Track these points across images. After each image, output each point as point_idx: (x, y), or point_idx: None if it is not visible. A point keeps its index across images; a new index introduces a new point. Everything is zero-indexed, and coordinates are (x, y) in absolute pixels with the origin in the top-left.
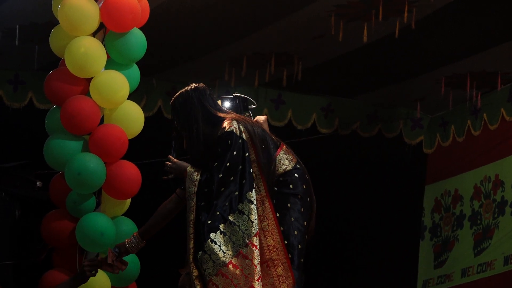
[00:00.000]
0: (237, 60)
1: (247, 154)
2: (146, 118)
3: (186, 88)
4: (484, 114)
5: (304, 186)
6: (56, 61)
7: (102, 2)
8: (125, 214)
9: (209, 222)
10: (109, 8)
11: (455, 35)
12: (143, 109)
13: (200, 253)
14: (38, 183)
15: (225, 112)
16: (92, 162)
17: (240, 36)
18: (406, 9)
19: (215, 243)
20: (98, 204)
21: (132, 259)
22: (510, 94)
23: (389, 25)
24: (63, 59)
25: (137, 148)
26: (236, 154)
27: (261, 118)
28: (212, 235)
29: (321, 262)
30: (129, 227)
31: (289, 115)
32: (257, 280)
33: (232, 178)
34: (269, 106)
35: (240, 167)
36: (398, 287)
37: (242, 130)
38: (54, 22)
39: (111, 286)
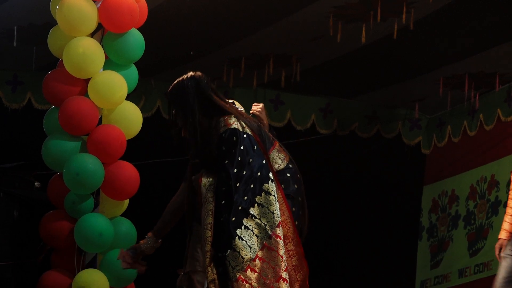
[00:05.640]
0: (235, 61)
1: (255, 147)
2: (144, 119)
3: (183, 76)
4: (481, 115)
5: (296, 186)
6: (54, 62)
7: (100, 3)
8: (123, 215)
9: (233, 219)
10: (107, 8)
11: (454, 36)
12: (141, 109)
13: (228, 251)
14: (36, 183)
15: (223, 100)
16: (91, 163)
17: (238, 37)
18: (404, 10)
19: (242, 239)
20: (96, 205)
21: None
22: (508, 95)
23: (387, 26)
24: (61, 60)
25: (135, 149)
26: (245, 149)
27: (257, 107)
28: (238, 231)
29: (320, 262)
30: (127, 227)
31: (288, 116)
32: (285, 270)
33: (244, 173)
34: (268, 106)
35: (251, 160)
36: (397, 287)
37: (244, 126)
38: (52, 23)
39: (109, 287)
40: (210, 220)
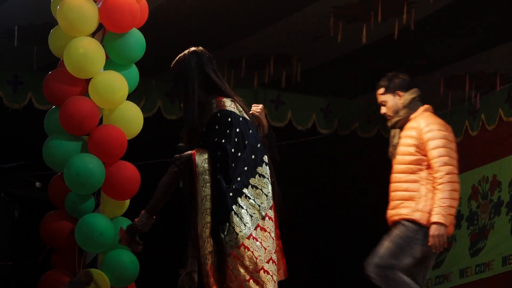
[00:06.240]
0: (236, 61)
1: (251, 131)
2: (145, 119)
3: (185, 51)
4: (482, 115)
5: None
6: (55, 62)
7: (101, 3)
8: (124, 215)
9: (231, 194)
10: (108, 8)
11: (454, 36)
12: (142, 109)
13: (227, 224)
14: (37, 183)
15: (221, 80)
16: (91, 163)
17: (238, 37)
18: (405, 10)
19: (237, 216)
20: (97, 205)
21: (131, 259)
22: (509, 95)
23: (388, 26)
24: (62, 60)
25: (136, 149)
26: (240, 131)
27: (257, 108)
28: (234, 207)
29: (320, 262)
30: None
31: (289, 116)
32: (274, 253)
33: (239, 154)
34: (268, 106)
35: (246, 142)
36: None
37: (241, 109)
38: (53, 23)
39: (110, 287)
40: (208, 192)
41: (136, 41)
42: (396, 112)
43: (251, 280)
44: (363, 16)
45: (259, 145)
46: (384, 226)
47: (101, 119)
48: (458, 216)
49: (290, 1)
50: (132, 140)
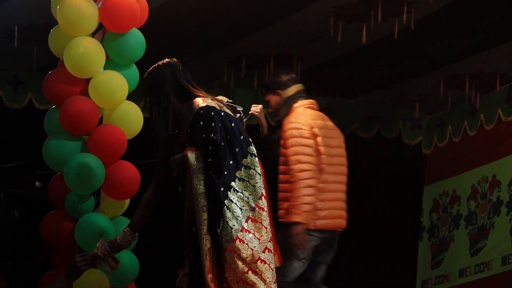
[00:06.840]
0: (236, 61)
1: (233, 124)
2: (145, 119)
3: (159, 62)
4: (481, 115)
5: None
6: (55, 62)
7: (101, 2)
8: (124, 215)
9: (222, 189)
10: (108, 8)
11: (454, 36)
12: (142, 109)
13: (221, 220)
14: (37, 183)
15: (197, 88)
16: (91, 163)
17: (239, 37)
18: (405, 10)
19: (229, 210)
20: (97, 205)
21: (131, 259)
22: (508, 95)
23: (388, 26)
24: (62, 60)
25: (136, 149)
26: (223, 125)
27: (256, 108)
28: (226, 201)
29: None
30: None
31: None
32: (269, 241)
33: (225, 148)
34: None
35: (228, 136)
36: (397, 287)
37: (221, 106)
38: (53, 23)
39: (110, 287)
40: (202, 189)
41: (136, 41)
42: (278, 112)
43: (249, 272)
44: (363, 16)
45: (242, 137)
46: (384, 226)
47: (101, 119)
48: (457, 216)
49: (290, 1)
50: (132, 140)
